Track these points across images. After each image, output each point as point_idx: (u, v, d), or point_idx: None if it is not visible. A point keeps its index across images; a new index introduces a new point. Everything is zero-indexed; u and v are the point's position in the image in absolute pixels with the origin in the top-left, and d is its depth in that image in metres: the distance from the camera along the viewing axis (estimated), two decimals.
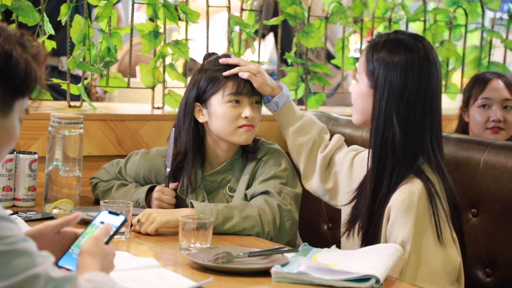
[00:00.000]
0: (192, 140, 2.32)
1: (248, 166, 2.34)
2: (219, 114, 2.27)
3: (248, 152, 2.35)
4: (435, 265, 1.97)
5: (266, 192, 2.24)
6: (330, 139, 2.38)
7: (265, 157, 2.34)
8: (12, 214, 2.17)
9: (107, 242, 1.54)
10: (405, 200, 1.96)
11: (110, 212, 1.64)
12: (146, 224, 2.10)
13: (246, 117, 2.27)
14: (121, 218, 1.62)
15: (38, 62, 1.34)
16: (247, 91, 2.28)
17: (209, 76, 2.30)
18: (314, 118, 2.42)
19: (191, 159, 2.32)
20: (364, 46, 2.70)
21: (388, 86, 2.02)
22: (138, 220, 2.11)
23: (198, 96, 2.31)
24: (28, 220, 2.12)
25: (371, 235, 2.04)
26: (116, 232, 1.58)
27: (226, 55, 2.35)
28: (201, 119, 2.32)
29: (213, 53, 2.39)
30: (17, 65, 1.30)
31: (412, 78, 2.02)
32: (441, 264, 1.97)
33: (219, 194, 2.35)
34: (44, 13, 2.66)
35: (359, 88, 2.10)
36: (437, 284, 1.97)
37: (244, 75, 2.28)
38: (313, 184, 2.34)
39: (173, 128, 2.36)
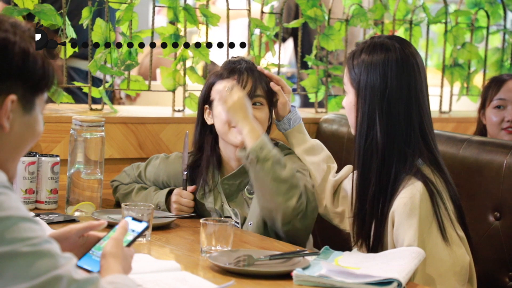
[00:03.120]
0: (204, 142, 2.34)
1: None
2: (216, 114, 2.28)
3: None
4: (443, 266, 1.95)
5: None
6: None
7: (284, 158, 2.33)
8: (34, 216, 2.18)
9: (128, 246, 1.54)
10: (407, 203, 1.96)
11: (134, 219, 1.65)
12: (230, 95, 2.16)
13: None
14: (143, 225, 1.63)
15: (52, 54, 1.35)
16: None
17: (211, 80, 2.33)
18: (322, 145, 2.42)
19: (205, 161, 2.32)
20: None
21: (370, 88, 2.03)
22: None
23: (206, 98, 2.33)
24: (50, 223, 2.13)
25: (377, 242, 2.03)
26: (137, 238, 1.59)
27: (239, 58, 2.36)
28: (209, 121, 2.33)
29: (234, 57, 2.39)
30: (35, 63, 1.31)
31: (391, 76, 2.02)
32: (449, 264, 1.96)
33: (238, 196, 2.35)
34: (66, 16, 2.67)
35: (348, 100, 2.10)
36: (446, 285, 1.95)
37: (275, 87, 2.33)
38: (322, 208, 2.33)
39: (187, 132, 2.38)
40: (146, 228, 1.64)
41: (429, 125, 2.07)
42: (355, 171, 2.10)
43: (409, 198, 1.96)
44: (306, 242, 2.29)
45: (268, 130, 2.33)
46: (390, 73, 2.02)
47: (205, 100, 2.33)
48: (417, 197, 1.96)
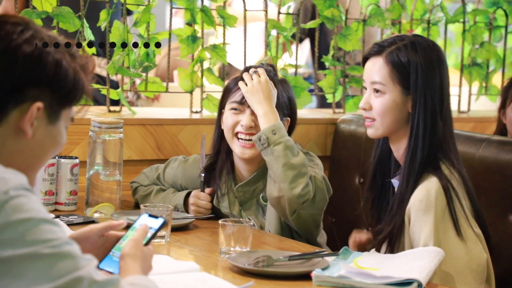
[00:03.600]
0: (221, 146, 2.35)
1: None
2: (224, 119, 2.31)
3: None
4: (459, 263, 1.94)
5: None
6: None
7: None
8: (54, 218, 2.20)
9: (146, 244, 1.54)
10: (423, 200, 1.95)
11: (150, 215, 1.65)
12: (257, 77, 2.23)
13: (242, 125, 2.26)
14: (160, 221, 1.63)
15: (85, 72, 1.37)
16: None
17: (226, 84, 2.36)
18: None
19: (220, 166, 2.33)
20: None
21: (430, 86, 2.02)
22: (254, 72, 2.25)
23: (222, 103, 2.35)
24: (70, 224, 2.14)
25: (395, 239, 2.02)
26: (155, 234, 1.59)
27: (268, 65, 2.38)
28: (222, 125, 2.33)
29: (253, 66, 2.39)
30: (66, 75, 1.33)
31: (444, 73, 2.05)
32: (465, 261, 1.94)
33: (253, 203, 2.35)
34: (85, 19, 2.69)
35: (389, 99, 2.04)
36: (464, 283, 1.93)
37: None
38: None
39: (204, 134, 2.39)
40: (164, 224, 1.63)
41: (451, 122, 2.08)
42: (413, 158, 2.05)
43: (424, 194, 1.95)
44: (317, 235, 2.27)
45: None
46: (443, 69, 2.05)
47: (221, 106, 2.35)
48: (432, 193, 1.95)
